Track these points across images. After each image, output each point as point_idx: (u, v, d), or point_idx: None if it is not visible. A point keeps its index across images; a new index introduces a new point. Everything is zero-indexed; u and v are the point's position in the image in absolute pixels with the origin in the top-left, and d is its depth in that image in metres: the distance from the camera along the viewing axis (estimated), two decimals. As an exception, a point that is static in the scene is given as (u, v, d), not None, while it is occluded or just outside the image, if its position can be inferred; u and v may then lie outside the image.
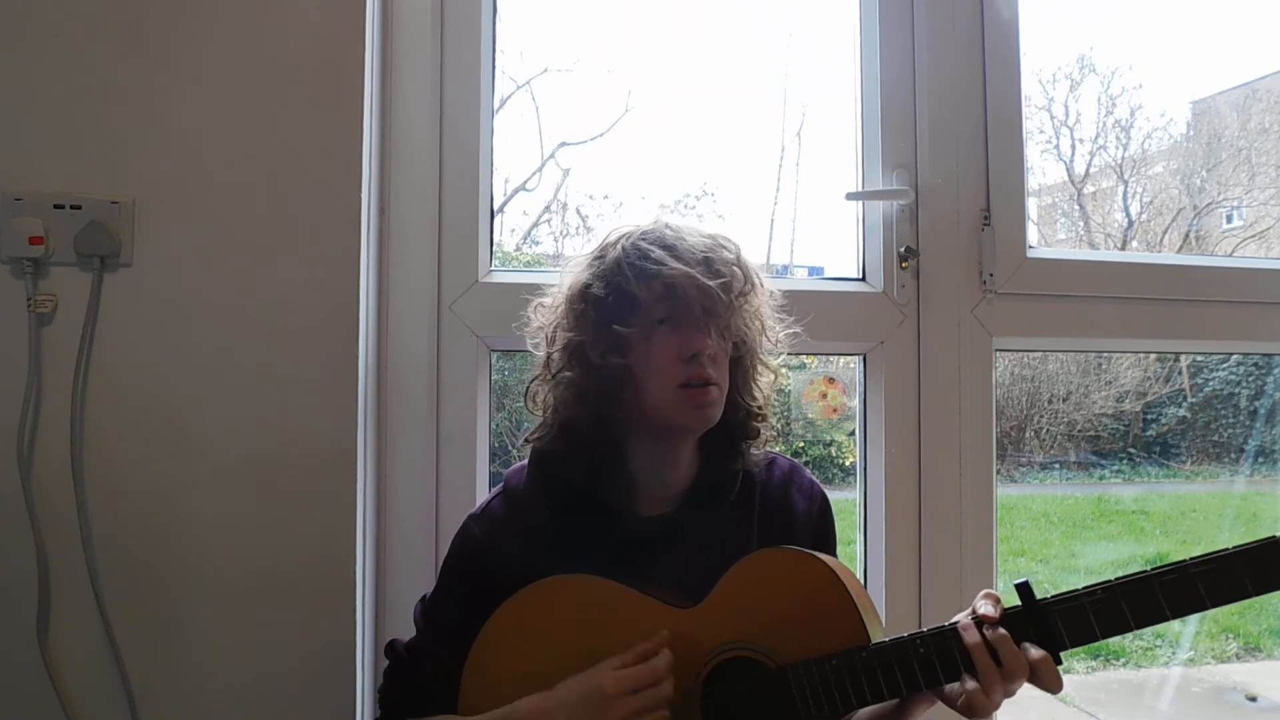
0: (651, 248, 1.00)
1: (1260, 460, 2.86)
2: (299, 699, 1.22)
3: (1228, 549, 0.83)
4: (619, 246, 1.02)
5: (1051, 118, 2.71)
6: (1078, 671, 2.55)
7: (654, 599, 0.99)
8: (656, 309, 1.01)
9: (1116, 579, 0.86)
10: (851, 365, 1.55)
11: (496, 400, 1.54)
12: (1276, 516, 2.71)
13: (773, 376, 1.12)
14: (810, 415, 1.73)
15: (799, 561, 0.97)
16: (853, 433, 1.56)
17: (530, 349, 1.11)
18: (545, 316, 1.08)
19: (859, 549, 1.50)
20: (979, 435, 1.48)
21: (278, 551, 1.22)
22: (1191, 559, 0.84)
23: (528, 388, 1.10)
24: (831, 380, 1.69)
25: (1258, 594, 0.82)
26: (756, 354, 1.09)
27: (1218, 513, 3.02)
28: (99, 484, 1.19)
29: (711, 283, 0.99)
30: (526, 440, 1.11)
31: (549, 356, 1.06)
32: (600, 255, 1.04)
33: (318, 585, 1.23)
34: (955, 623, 0.91)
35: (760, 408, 1.10)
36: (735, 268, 1.02)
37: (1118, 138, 2.82)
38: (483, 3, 1.42)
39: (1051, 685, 0.87)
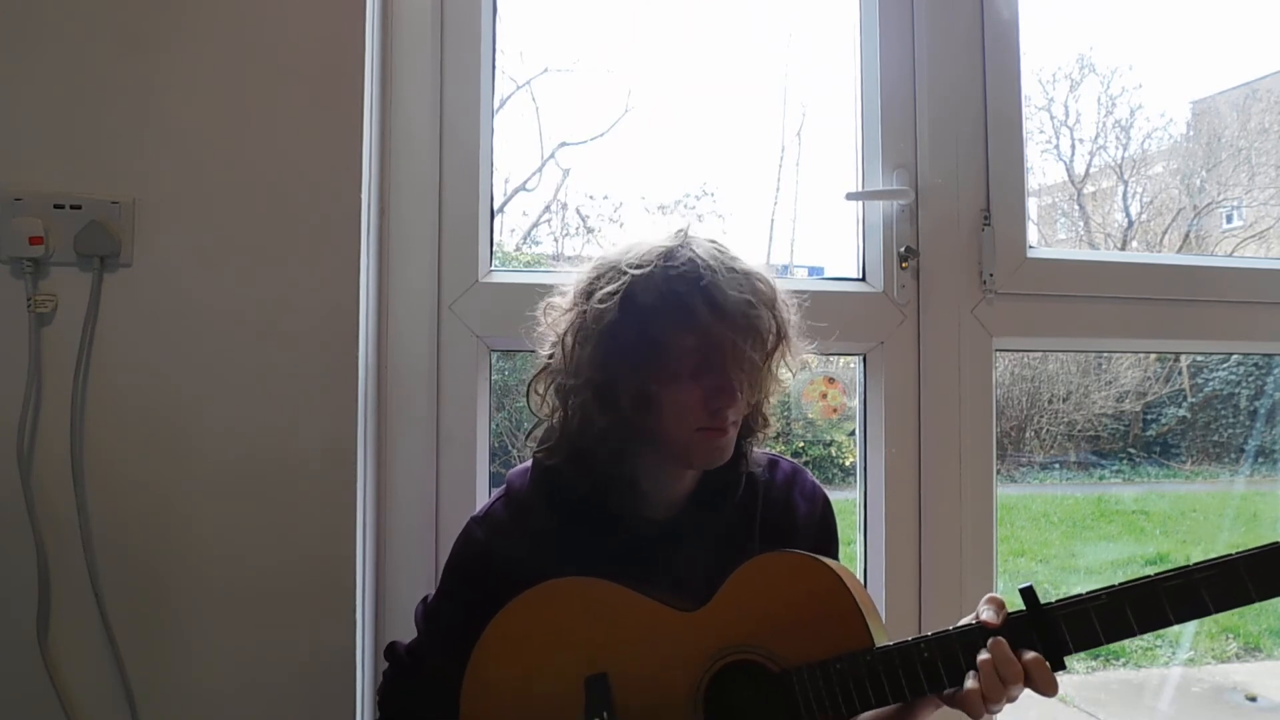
0: (690, 297, 0.95)
1: (1260, 460, 2.86)
2: (299, 699, 1.22)
3: (1232, 554, 0.83)
4: (653, 286, 0.96)
5: (1051, 118, 2.71)
6: (1078, 671, 2.54)
7: (657, 602, 0.99)
8: (689, 359, 0.97)
9: (1121, 583, 0.86)
10: (851, 365, 1.55)
11: (496, 400, 1.54)
12: (1276, 516, 2.71)
13: (781, 388, 1.10)
14: (810, 415, 1.73)
15: (803, 565, 0.97)
16: (853, 433, 1.56)
17: (534, 346, 1.08)
18: (561, 324, 1.03)
19: (859, 549, 1.50)
20: (979, 435, 1.48)
21: (277, 552, 1.22)
22: (1196, 564, 0.84)
23: (530, 383, 1.07)
24: (831, 380, 1.69)
25: (1261, 599, 0.82)
26: (776, 381, 1.07)
27: (1218, 513, 3.02)
28: (99, 484, 1.19)
29: (752, 352, 0.96)
30: (532, 446, 1.09)
31: (567, 384, 1.01)
32: (629, 294, 0.97)
33: (317, 586, 1.23)
34: (959, 627, 0.91)
35: (765, 420, 1.09)
36: (773, 321, 0.99)
37: (1118, 138, 2.82)
38: (483, 3, 1.42)
39: (1046, 689, 0.87)
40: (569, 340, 1.01)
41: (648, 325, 0.96)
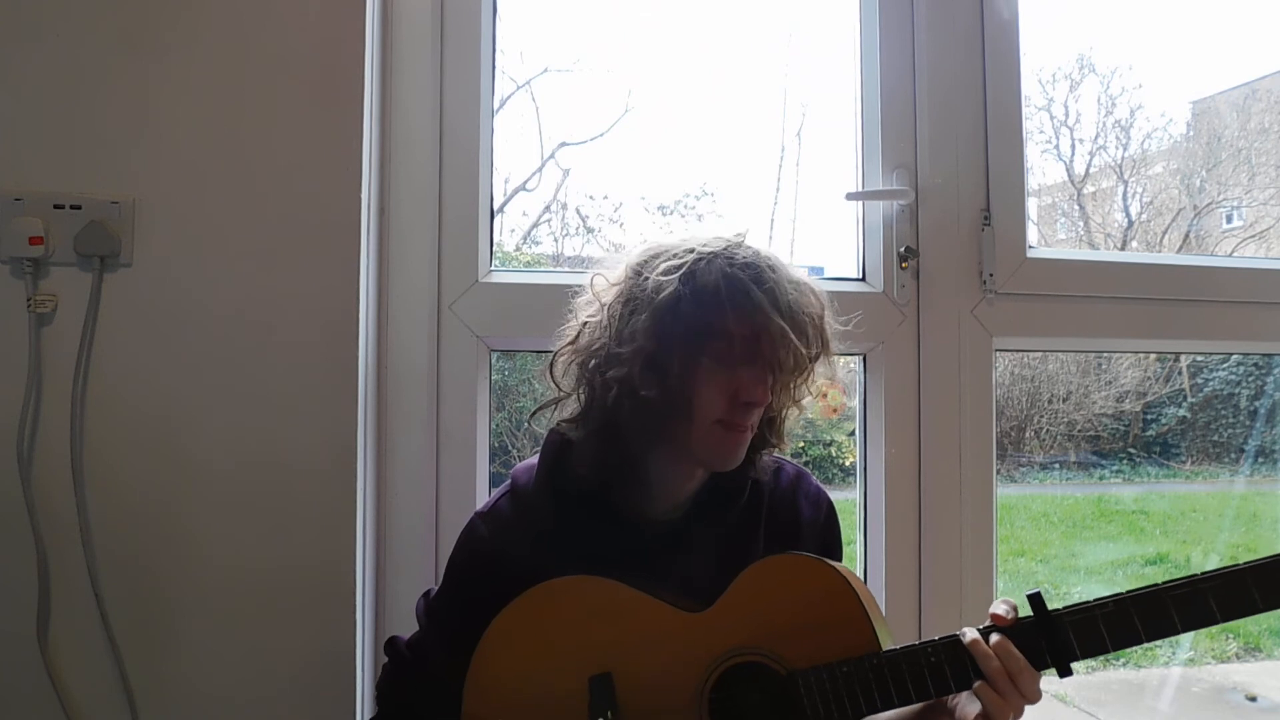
0: (752, 286, 0.96)
1: (1260, 460, 2.86)
2: (298, 700, 1.22)
3: (1238, 564, 0.84)
4: (716, 269, 0.97)
5: (1051, 118, 2.72)
6: (1078, 671, 2.53)
7: (663, 602, 0.99)
8: (741, 346, 0.97)
9: (1128, 591, 0.86)
10: (851, 365, 1.55)
11: (496, 400, 1.54)
12: (1276, 516, 2.71)
13: (799, 411, 1.09)
14: (810, 415, 1.73)
15: (810, 567, 0.97)
16: (853, 433, 1.56)
17: (572, 313, 1.05)
18: (609, 294, 1.02)
19: (859, 549, 1.50)
20: (979, 435, 1.48)
21: (277, 552, 1.22)
22: (1202, 573, 0.84)
23: (554, 357, 1.05)
24: (831, 380, 1.69)
25: (1268, 609, 0.82)
26: (801, 400, 1.07)
27: (1218, 513, 3.02)
28: (99, 484, 1.20)
29: (797, 354, 0.97)
30: (538, 425, 1.07)
31: (611, 353, 0.99)
32: (692, 271, 0.97)
33: (317, 586, 1.23)
34: (965, 631, 0.91)
35: (779, 436, 1.08)
36: (821, 332, 1.01)
37: (1118, 138, 2.82)
38: (483, 3, 1.42)
39: (1030, 694, 0.88)
40: (619, 308, 1.00)
41: (709, 304, 0.96)
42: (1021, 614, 0.91)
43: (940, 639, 0.91)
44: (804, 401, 1.07)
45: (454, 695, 1.02)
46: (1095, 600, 0.87)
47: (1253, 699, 2.49)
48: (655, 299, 0.97)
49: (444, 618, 1.08)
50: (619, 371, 0.98)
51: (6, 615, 1.18)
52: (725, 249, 0.99)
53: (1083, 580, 2.98)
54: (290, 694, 1.22)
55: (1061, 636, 0.87)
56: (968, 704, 0.91)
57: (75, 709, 1.19)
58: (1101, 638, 0.86)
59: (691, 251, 0.99)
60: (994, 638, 0.89)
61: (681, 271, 0.97)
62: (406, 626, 1.14)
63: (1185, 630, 0.84)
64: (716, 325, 0.96)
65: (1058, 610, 0.88)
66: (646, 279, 0.98)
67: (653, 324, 0.97)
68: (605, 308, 1.01)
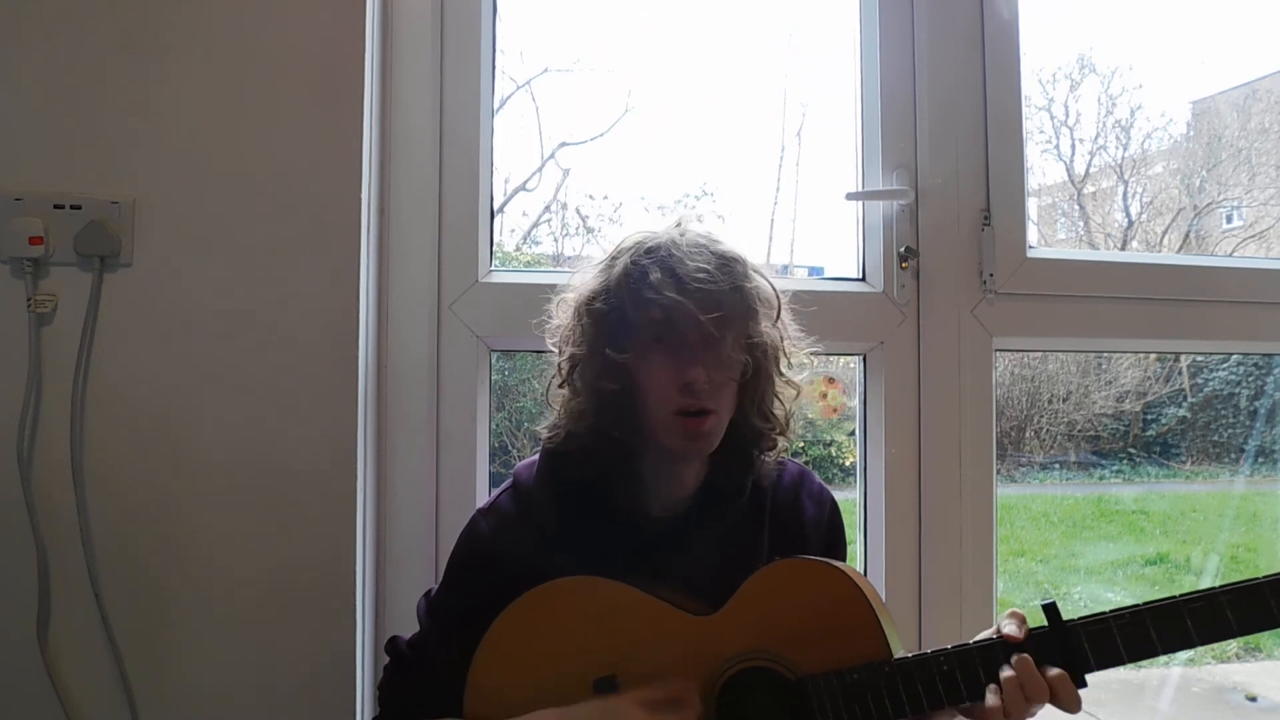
0: (652, 268, 0.97)
1: (1260, 460, 2.86)
2: (299, 700, 1.22)
3: (1257, 578, 0.83)
4: (626, 260, 1.00)
5: (1051, 118, 2.72)
6: (1077, 671, 2.54)
7: (668, 604, 0.98)
8: (653, 331, 0.98)
9: (1144, 603, 0.86)
10: (851, 365, 1.55)
11: (496, 400, 1.54)
12: (1276, 517, 2.71)
13: (794, 392, 1.08)
14: (810, 415, 1.73)
15: (820, 572, 0.96)
16: (853, 433, 1.56)
17: (547, 339, 1.09)
18: (563, 314, 1.07)
19: (859, 549, 1.50)
20: (979, 435, 1.48)
21: (277, 552, 1.22)
22: (1220, 586, 0.84)
23: (549, 384, 1.08)
24: (831, 380, 1.69)
25: None
26: (770, 374, 1.04)
27: (1218, 513, 3.02)
28: (99, 484, 1.19)
29: (706, 317, 0.95)
30: (543, 437, 1.09)
31: (559, 365, 1.06)
32: (610, 265, 1.02)
33: (317, 587, 1.22)
34: (979, 641, 0.91)
35: (775, 425, 1.07)
36: (738, 295, 0.98)
37: (1118, 138, 2.82)
38: (483, 3, 1.42)
39: (1070, 705, 0.87)
40: (564, 327, 1.06)
41: (615, 300, 1.00)
42: (1034, 623, 0.90)
43: (953, 647, 0.91)
44: (785, 376, 1.06)
45: (455, 694, 1.01)
46: (1112, 611, 0.87)
47: (1253, 699, 2.49)
48: (579, 303, 1.03)
49: (445, 616, 1.08)
50: (563, 381, 1.04)
51: (6, 615, 1.18)
52: (639, 243, 1.02)
53: (1083, 580, 2.98)
54: (290, 694, 1.22)
55: (1076, 647, 0.87)
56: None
57: (75, 709, 1.19)
58: (1117, 649, 0.86)
59: (615, 255, 1.03)
60: (1016, 658, 0.88)
61: (602, 266, 1.03)
62: (406, 626, 1.14)
63: (1202, 643, 0.84)
64: (630, 318, 0.99)
65: (1073, 621, 0.88)
66: (583, 289, 1.04)
67: (578, 328, 1.03)
68: (560, 329, 1.07)
